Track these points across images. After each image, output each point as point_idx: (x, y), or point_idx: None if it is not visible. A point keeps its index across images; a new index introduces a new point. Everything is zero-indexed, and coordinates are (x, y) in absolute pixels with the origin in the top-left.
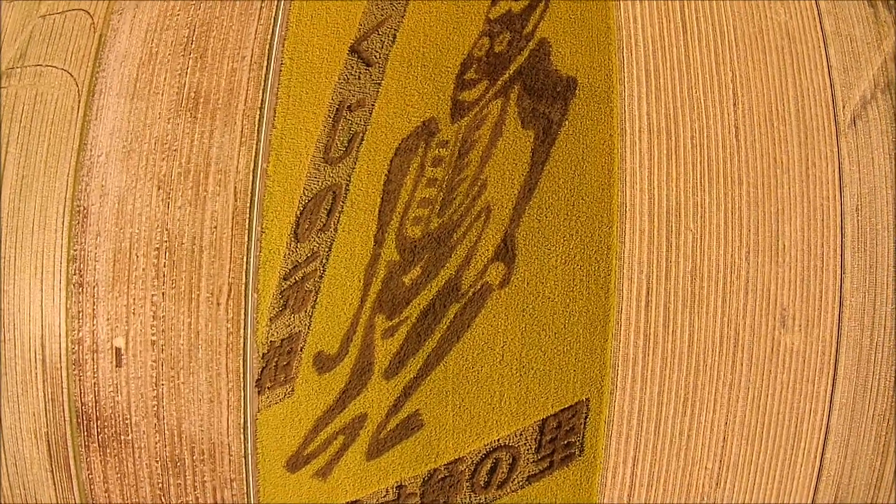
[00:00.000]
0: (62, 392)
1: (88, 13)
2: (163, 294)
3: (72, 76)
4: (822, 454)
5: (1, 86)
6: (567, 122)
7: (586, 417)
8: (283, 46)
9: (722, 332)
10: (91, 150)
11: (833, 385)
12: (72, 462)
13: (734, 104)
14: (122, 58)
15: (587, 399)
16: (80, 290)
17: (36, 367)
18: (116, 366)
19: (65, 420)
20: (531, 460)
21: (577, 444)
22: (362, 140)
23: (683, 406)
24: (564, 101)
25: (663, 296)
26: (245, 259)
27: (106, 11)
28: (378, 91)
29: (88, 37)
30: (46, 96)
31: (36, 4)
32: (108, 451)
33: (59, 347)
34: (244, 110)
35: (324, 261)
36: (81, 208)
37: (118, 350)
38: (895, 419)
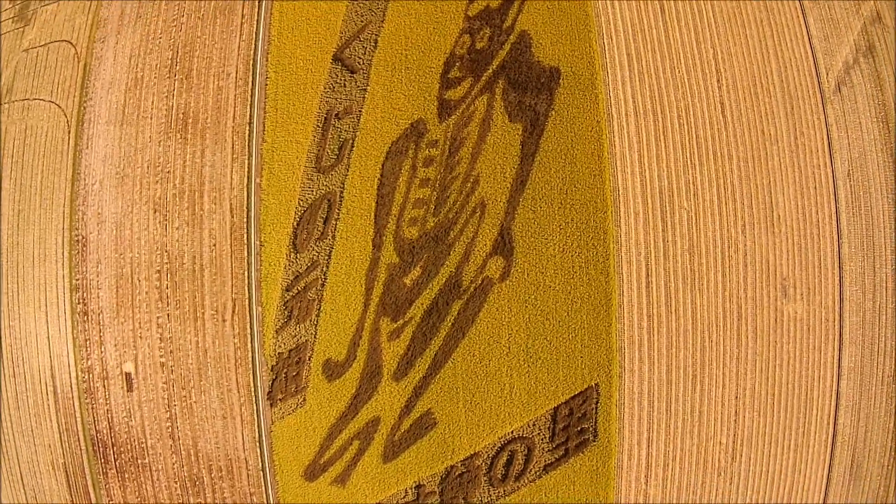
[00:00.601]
0: (76, 421)
1: (71, 43)
2: (168, 315)
3: (60, 107)
4: (835, 420)
5: None
6: (554, 112)
7: (597, 402)
8: (267, 60)
9: (724, 306)
10: (85, 179)
11: (840, 350)
12: (91, 490)
13: (718, 81)
14: (109, 85)
15: (596, 384)
16: (86, 318)
17: (48, 399)
18: (128, 391)
19: (81, 449)
20: (546, 449)
21: (591, 429)
22: (352, 146)
23: (692, 383)
24: (549, 91)
25: (663, 275)
26: (246, 274)
27: (89, 40)
28: (364, 97)
29: (73, 67)
30: (36, 129)
31: (18, 39)
32: (126, 476)
33: (70, 377)
34: (233, 127)
35: (324, 269)
36: (80, 237)
37: (128, 375)
38: None
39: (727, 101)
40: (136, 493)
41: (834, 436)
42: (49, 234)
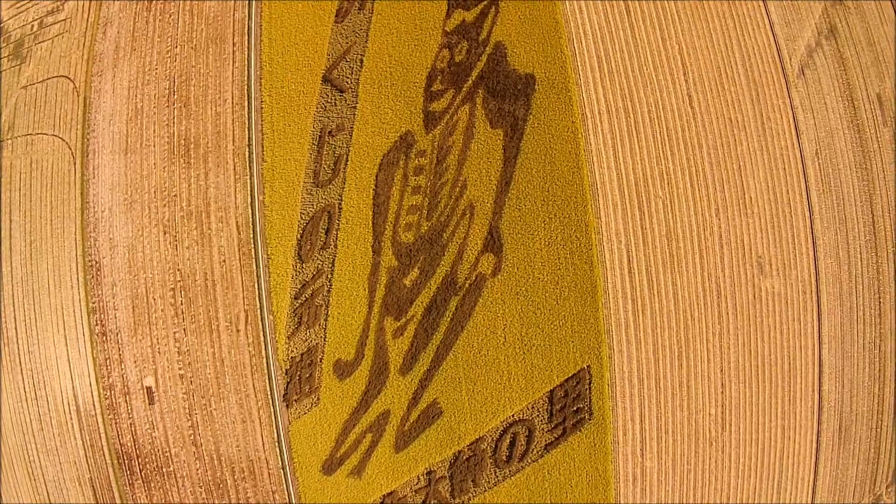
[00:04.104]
0: (100, 437)
1: (69, 78)
2: (184, 330)
3: (63, 140)
4: (820, 387)
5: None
6: (531, 117)
7: (590, 383)
8: (261, 85)
9: (704, 286)
10: (94, 207)
11: (819, 320)
12: (118, 502)
13: (684, 74)
14: (110, 116)
15: (588, 366)
16: (104, 338)
17: (71, 418)
18: (149, 404)
19: (106, 463)
20: (546, 430)
21: (586, 408)
22: (347, 161)
23: (679, 360)
24: (526, 97)
25: (643, 261)
26: (256, 285)
27: (86, 74)
28: (354, 114)
29: (73, 101)
30: (42, 163)
31: (16, 76)
32: (152, 485)
33: (92, 396)
34: (234, 149)
35: (329, 276)
36: (94, 262)
37: (149, 389)
38: (890, 343)
39: (694, 93)
40: (163, 501)
41: (820, 402)
42: (63, 262)
